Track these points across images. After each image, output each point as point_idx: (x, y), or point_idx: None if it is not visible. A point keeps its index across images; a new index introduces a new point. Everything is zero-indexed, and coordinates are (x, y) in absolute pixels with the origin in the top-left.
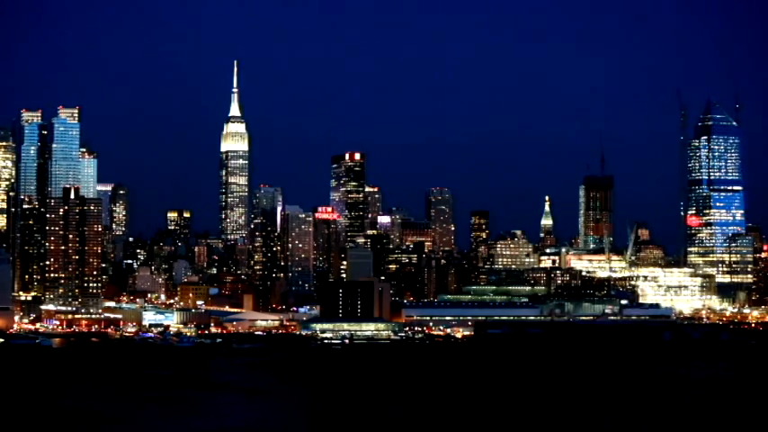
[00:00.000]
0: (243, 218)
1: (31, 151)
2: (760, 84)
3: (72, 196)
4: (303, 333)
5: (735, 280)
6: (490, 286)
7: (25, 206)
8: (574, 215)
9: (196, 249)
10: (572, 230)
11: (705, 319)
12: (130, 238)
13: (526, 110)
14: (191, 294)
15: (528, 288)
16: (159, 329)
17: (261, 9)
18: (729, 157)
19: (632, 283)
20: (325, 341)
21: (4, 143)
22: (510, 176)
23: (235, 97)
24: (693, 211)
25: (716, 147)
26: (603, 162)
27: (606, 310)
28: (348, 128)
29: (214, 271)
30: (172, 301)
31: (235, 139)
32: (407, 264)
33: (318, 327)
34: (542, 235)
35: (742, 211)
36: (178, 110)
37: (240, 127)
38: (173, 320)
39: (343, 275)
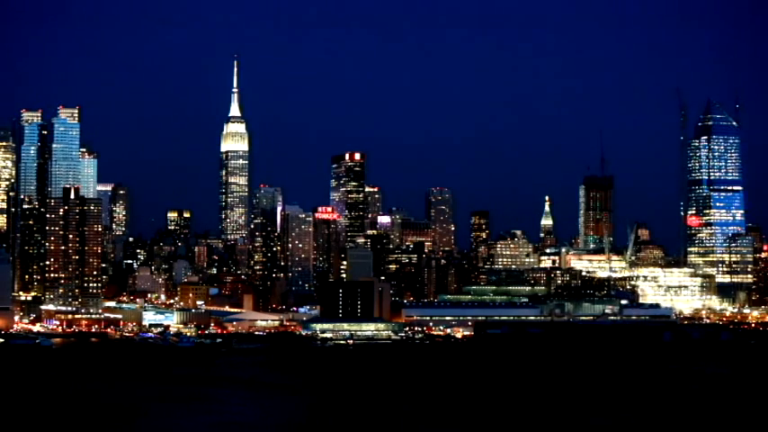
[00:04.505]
0: (243, 218)
1: (31, 151)
2: (760, 84)
3: (72, 196)
4: (303, 333)
5: (735, 280)
6: (490, 286)
7: (25, 206)
8: (574, 215)
9: (196, 249)
10: (572, 230)
11: (705, 319)
12: (130, 238)
13: (526, 110)
14: (191, 294)
15: (528, 288)
16: (159, 329)
17: (261, 9)
18: (729, 157)
19: (632, 283)
20: (332, 342)
21: (4, 143)
22: (510, 176)
23: (235, 97)
24: (693, 211)
25: (716, 147)
26: (603, 162)
27: (606, 310)
28: (348, 128)
29: (214, 271)
30: (172, 301)
31: (235, 139)
32: (407, 264)
33: (318, 327)
34: (542, 235)
35: (742, 211)
36: (178, 110)
37: (240, 127)
38: (173, 320)
39: (343, 275)
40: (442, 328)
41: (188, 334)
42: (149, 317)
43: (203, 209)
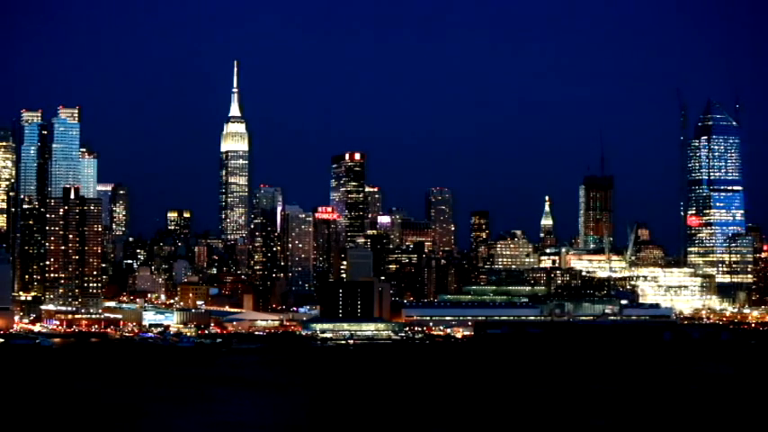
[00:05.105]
0: (243, 218)
1: (31, 151)
2: (760, 84)
3: (72, 196)
4: (303, 333)
5: (735, 280)
6: (490, 286)
7: (25, 206)
8: (574, 215)
9: (196, 249)
10: (572, 230)
11: (705, 319)
12: (130, 238)
13: (526, 110)
14: (191, 294)
15: (528, 288)
16: (159, 329)
17: (261, 9)
18: (729, 157)
19: (632, 283)
20: (332, 342)
21: (4, 143)
22: (510, 176)
23: (235, 97)
24: (693, 211)
25: (716, 147)
26: (603, 162)
27: (606, 310)
28: (348, 128)
29: (214, 271)
30: (172, 301)
31: (235, 139)
32: (407, 264)
33: (318, 327)
34: (542, 235)
35: (742, 211)
36: (178, 110)
37: (240, 127)
38: (173, 320)
39: (344, 275)
40: (442, 328)
41: (188, 334)
42: (149, 317)
43: (203, 209)
